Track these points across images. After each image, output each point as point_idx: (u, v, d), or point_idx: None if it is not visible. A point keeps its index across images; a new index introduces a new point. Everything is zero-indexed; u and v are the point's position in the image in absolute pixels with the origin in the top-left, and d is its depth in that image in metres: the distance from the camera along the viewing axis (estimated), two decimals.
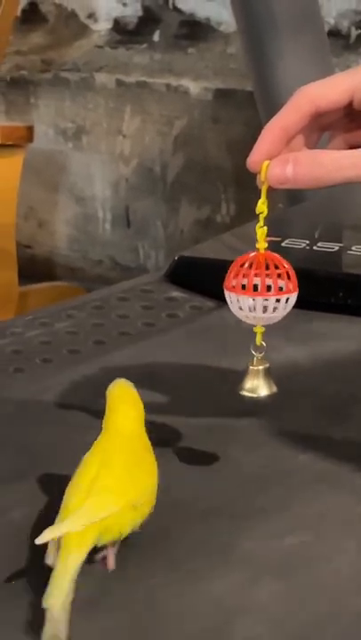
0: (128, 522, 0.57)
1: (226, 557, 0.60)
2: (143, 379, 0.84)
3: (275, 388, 0.71)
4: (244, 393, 0.71)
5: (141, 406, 0.64)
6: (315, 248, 1.14)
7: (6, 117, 2.59)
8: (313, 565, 0.59)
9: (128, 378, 0.83)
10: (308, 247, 1.14)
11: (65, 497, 0.59)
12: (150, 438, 0.64)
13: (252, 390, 0.71)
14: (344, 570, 0.58)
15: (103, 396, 0.80)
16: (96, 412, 0.77)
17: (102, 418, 0.70)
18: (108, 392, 0.65)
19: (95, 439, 0.67)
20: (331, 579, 0.57)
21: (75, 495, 0.58)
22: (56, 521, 0.57)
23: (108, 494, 0.58)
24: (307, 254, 1.13)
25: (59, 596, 0.53)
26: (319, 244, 1.15)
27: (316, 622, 0.54)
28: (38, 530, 0.57)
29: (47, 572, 0.56)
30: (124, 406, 0.65)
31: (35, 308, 2.02)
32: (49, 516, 0.60)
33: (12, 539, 0.62)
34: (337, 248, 1.15)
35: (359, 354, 0.94)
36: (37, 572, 0.57)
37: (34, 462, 0.72)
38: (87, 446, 0.64)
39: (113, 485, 0.58)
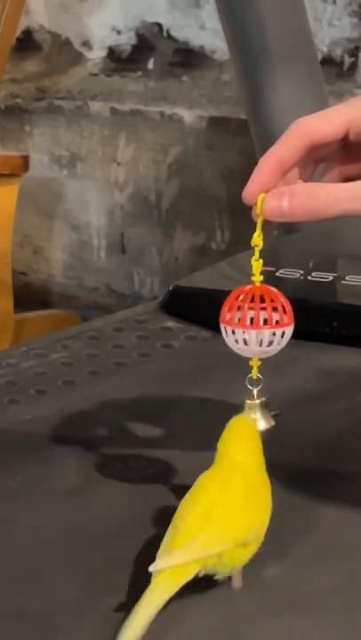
0: (237, 559, 0.57)
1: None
2: (138, 411, 0.88)
3: (273, 422, 0.71)
4: None
5: (260, 442, 0.64)
6: (309, 278, 1.14)
7: (1, 146, 2.60)
8: None
9: (122, 408, 0.88)
10: (302, 277, 1.14)
11: (178, 515, 0.58)
12: (146, 473, 0.64)
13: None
14: None
15: (98, 426, 0.83)
16: (90, 442, 0.79)
17: (97, 448, 0.70)
18: (229, 424, 0.64)
19: (90, 470, 0.67)
20: None
21: (189, 519, 0.57)
22: (166, 538, 0.56)
23: (225, 529, 0.56)
24: (301, 284, 1.13)
25: (136, 629, 0.52)
26: (314, 274, 1.15)
27: None
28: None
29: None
30: (245, 440, 0.64)
31: (31, 336, 2.06)
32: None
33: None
34: (331, 278, 1.15)
35: (356, 385, 0.95)
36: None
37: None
38: (82, 476, 0.63)
39: (231, 519, 0.57)
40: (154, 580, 0.53)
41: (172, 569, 0.54)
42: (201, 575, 0.54)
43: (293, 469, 0.77)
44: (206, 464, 0.74)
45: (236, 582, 0.56)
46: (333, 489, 0.75)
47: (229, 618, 0.57)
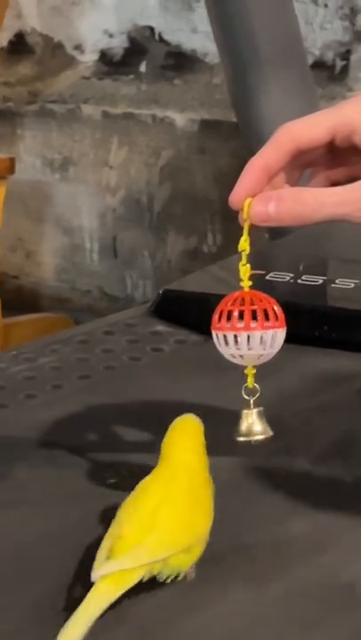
0: (182, 563, 0.56)
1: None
2: (128, 416, 0.87)
3: (270, 432, 0.70)
4: (240, 438, 0.70)
5: (203, 440, 0.64)
6: (299, 281, 1.13)
7: None
8: None
9: (111, 413, 0.86)
10: (292, 280, 1.14)
11: (118, 519, 0.57)
12: (136, 480, 0.64)
13: (248, 434, 0.70)
14: None
15: (88, 431, 0.82)
16: (80, 447, 0.79)
17: (88, 453, 0.70)
18: (172, 424, 0.64)
19: (79, 476, 0.66)
20: None
21: (132, 524, 0.56)
22: (106, 543, 0.56)
23: (171, 534, 0.56)
24: (291, 287, 1.13)
25: (73, 635, 0.51)
26: (303, 278, 1.14)
27: None
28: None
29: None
30: (187, 439, 0.64)
31: (21, 339, 2.04)
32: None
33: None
34: (321, 281, 1.15)
35: (346, 388, 0.95)
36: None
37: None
38: (70, 482, 0.63)
39: (177, 524, 0.57)
40: (95, 586, 0.53)
41: (115, 574, 0.53)
42: (145, 580, 0.54)
43: (290, 475, 0.77)
44: None
45: (190, 574, 0.56)
46: (335, 494, 0.75)
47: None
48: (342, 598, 0.61)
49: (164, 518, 0.56)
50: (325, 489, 0.76)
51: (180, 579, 0.56)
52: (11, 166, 2.18)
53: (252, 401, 0.69)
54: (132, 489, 0.62)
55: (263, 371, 0.69)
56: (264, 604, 0.60)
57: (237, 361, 0.68)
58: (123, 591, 0.53)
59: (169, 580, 0.56)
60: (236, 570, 0.64)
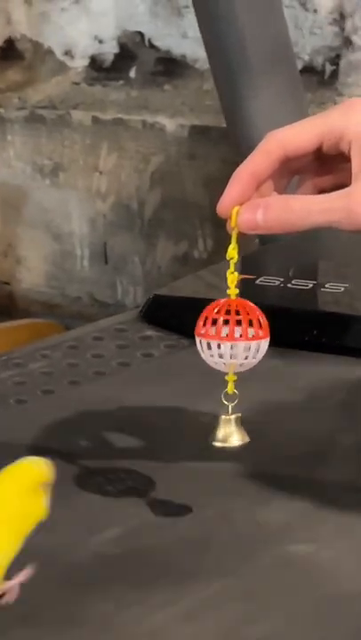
0: None
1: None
2: (115, 420, 0.89)
3: (247, 438, 0.72)
4: (216, 444, 0.72)
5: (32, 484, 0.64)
6: (289, 286, 1.16)
7: None
8: None
9: (101, 419, 0.88)
10: (282, 285, 1.16)
11: None
12: (125, 485, 0.65)
13: (224, 440, 0.72)
14: None
15: (78, 437, 0.84)
16: (70, 453, 0.80)
17: (75, 459, 0.70)
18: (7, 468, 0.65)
19: (67, 482, 0.67)
20: None
21: None
22: None
23: None
24: (281, 292, 1.15)
25: None
26: (294, 282, 1.16)
27: None
28: None
29: None
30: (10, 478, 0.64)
31: (11, 345, 2.04)
32: None
33: None
34: (311, 285, 1.16)
35: (335, 393, 0.96)
36: None
37: None
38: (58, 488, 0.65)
39: None
40: None
41: None
42: None
43: (279, 480, 0.78)
44: (185, 475, 0.75)
45: (10, 597, 0.58)
46: (308, 491, 0.77)
47: None
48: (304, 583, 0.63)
49: None
50: (298, 488, 0.78)
51: None
52: None
53: (230, 407, 0.71)
54: (120, 494, 0.63)
55: (250, 374, 0.71)
56: (235, 590, 0.63)
57: (219, 367, 0.69)
58: None
59: None
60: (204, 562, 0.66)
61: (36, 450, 0.79)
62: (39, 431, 0.87)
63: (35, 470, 0.66)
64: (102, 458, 0.83)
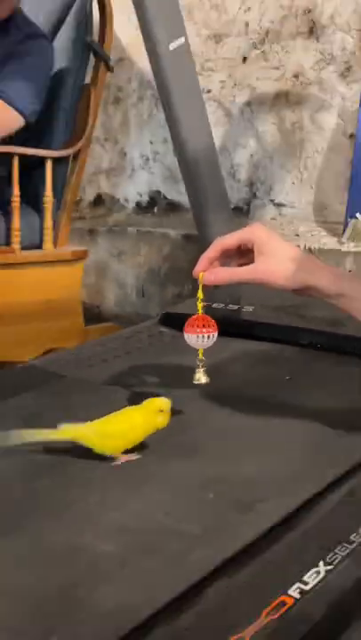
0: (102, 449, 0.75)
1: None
2: (143, 368, 1.13)
3: (208, 380, 0.97)
4: (194, 382, 0.97)
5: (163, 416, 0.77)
6: (227, 307, 1.43)
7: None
8: None
9: (139, 369, 1.04)
10: (223, 307, 1.43)
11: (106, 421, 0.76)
12: (143, 397, 0.85)
13: (198, 380, 0.97)
14: None
15: (128, 378, 0.97)
16: (128, 385, 0.96)
17: (129, 387, 0.88)
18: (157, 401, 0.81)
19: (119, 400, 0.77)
20: None
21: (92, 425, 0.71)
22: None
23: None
24: (223, 311, 1.42)
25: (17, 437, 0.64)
26: (229, 306, 1.44)
27: None
28: None
29: None
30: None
31: (100, 335, 2.14)
32: None
33: None
34: (237, 307, 1.44)
35: (258, 357, 1.17)
36: None
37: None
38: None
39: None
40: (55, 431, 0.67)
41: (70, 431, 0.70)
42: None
43: (230, 397, 0.96)
44: (178, 395, 0.92)
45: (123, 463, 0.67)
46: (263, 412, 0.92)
47: None
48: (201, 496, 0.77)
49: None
50: (241, 402, 0.96)
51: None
52: (84, 254, 2.48)
53: (200, 365, 0.95)
54: (141, 400, 0.85)
55: (209, 349, 0.92)
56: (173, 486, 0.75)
57: (195, 346, 0.94)
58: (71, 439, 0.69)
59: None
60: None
61: (101, 387, 1.00)
62: (116, 377, 1.09)
63: (157, 402, 0.88)
64: (130, 387, 1.02)
